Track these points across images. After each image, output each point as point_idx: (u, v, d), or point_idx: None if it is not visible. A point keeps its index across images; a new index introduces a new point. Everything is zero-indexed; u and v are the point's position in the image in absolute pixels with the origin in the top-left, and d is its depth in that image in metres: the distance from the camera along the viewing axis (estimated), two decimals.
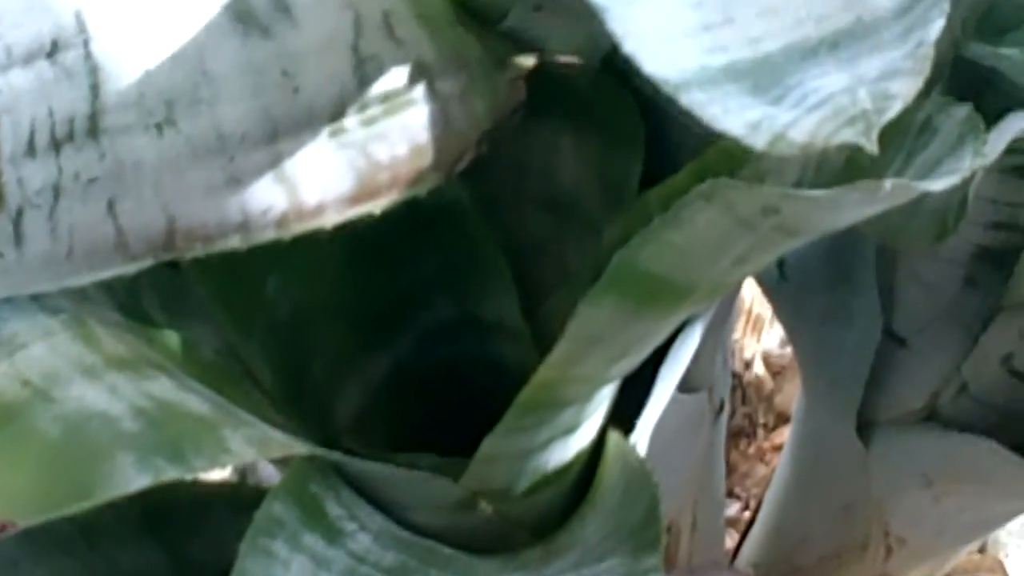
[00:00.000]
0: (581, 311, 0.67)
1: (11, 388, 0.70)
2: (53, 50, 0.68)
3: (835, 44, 0.59)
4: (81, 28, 0.69)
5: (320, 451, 0.72)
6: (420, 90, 0.70)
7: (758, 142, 0.54)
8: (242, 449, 0.70)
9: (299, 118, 0.70)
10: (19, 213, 0.68)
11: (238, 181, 0.70)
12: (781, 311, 0.94)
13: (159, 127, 0.68)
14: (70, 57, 0.68)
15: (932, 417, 0.83)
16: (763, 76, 0.58)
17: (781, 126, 0.55)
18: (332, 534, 0.72)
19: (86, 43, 0.68)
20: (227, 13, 0.67)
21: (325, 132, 0.71)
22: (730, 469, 0.97)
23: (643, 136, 0.75)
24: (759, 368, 1.02)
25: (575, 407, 0.73)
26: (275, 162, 0.70)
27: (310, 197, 0.69)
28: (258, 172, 0.70)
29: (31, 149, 0.68)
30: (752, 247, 0.64)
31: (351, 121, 0.71)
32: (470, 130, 0.71)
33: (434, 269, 0.80)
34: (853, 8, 0.59)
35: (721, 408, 0.92)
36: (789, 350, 1.08)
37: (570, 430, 0.74)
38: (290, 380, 0.77)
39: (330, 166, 0.70)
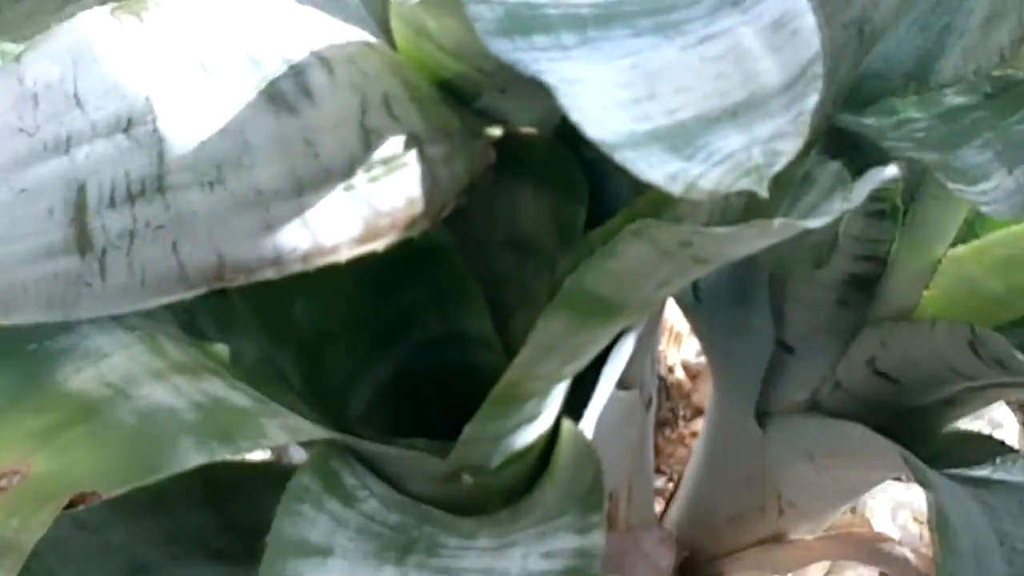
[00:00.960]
0: (540, 325, 0.71)
1: (97, 388, 0.73)
2: (128, 126, 0.69)
3: (735, 113, 0.63)
4: (149, 108, 0.70)
5: (338, 436, 0.76)
6: (413, 155, 0.73)
7: (675, 190, 0.58)
8: (277, 435, 0.75)
9: (319, 177, 0.72)
10: (103, 252, 0.69)
11: (271, 227, 0.71)
12: (696, 326, 0.97)
13: (211, 185, 0.69)
14: (141, 131, 0.69)
15: (814, 407, 0.87)
16: (679, 139, 0.62)
17: (693, 177, 0.59)
18: (348, 499, 0.74)
19: (154, 120, 0.70)
20: (262, 95, 0.70)
21: (339, 188, 0.72)
22: (657, 451, 0.98)
23: (587, 189, 0.79)
24: (679, 373, 1.04)
25: (536, 400, 0.77)
26: (300, 212, 0.71)
27: (328, 239, 0.71)
28: (287, 220, 0.71)
29: (112, 202, 0.69)
30: (672, 273, 0.69)
31: (359, 179, 0.73)
32: (452, 186, 0.74)
33: (425, 295, 0.84)
34: (748, 85, 0.64)
35: (650, 403, 0.94)
36: (703, 359, 1.11)
37: (532, 418, 0.79)
38: (314, 381, 0.81)
39: (343, 215, 0.72)
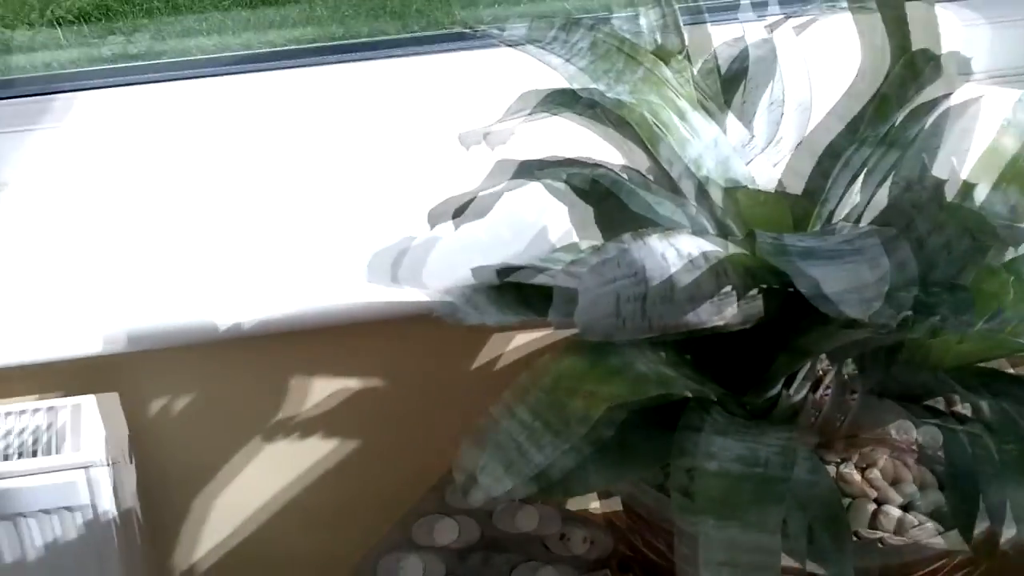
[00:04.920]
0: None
1: (620, 365, 0.76)
2: (648, 280, 0.72)
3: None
4: (661, 270, 0.72)
5: (704, 390, 0.79)
6: (734, 293, 0.76)
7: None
8: (685, 388, 0.78)
9: (708, 297, 0.75)
10: (624, 318, 0.72)
11: (684, 313, 0.74)
12: None
13: (665, 301, 0.73)
14: (647, 279, 0.72)
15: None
16: None
17: None
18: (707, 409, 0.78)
19: (644, 273, 0.72)
20: (712, 271, 0.75)
21: (708, 301, 0.74)
22: None
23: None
24: None
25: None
26: (693, 309, 0.74)
27: (708, 320, 0.75)
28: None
29: (627, 300, 0.73)
30: None
31: (717, 297, 0.75)
32: (754, 314, 0.77)
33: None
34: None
35: None
36: None
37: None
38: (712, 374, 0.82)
39: (716, 312, 0.75)
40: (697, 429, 0.77)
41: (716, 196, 0.86)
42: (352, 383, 1.22)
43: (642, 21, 1.01)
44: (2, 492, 1.05)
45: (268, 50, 1.42)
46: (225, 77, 1.26)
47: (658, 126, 0.86)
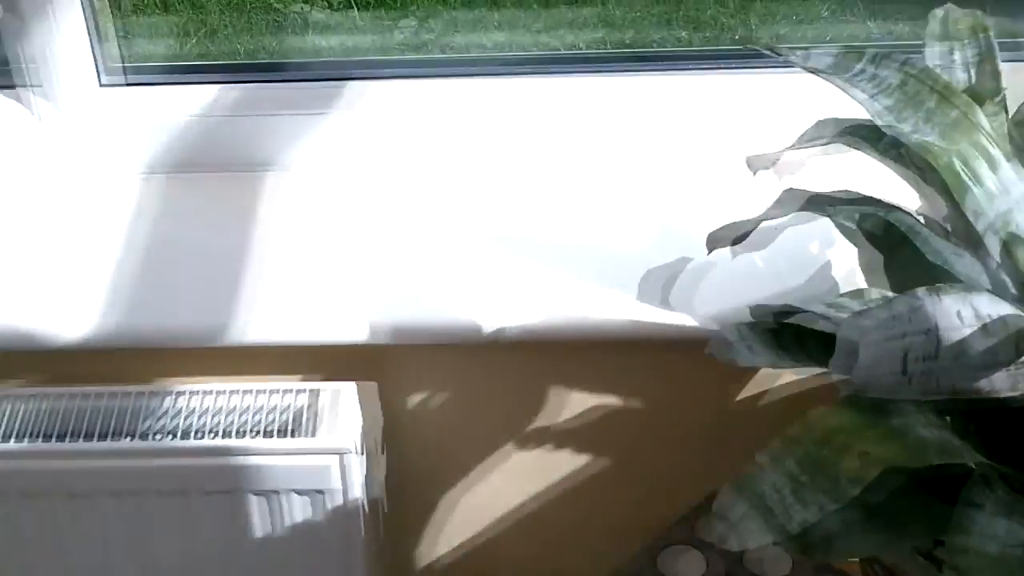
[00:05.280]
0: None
1: (892, 423, 0.73)
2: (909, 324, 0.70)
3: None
4: (934, 335, 0.70)
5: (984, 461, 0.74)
6: None
7: None
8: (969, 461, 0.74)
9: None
10: (910, 376, 0.70)
11: (976, 379, 0.70)
12: None
13: (959, 359, 0.70)
14: (924, 331, 0.70)
15: None
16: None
17: None
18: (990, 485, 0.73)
19: (938, 330, 0.70)
20: (978, 328, 0.73)
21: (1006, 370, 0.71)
22: None
23: None
24: None
25: None
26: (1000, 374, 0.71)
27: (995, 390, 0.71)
28: (991, 376, 0.71)
29: (916, 359, 0.70)
30: None
31: None
32: None
33: None
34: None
35: None
36: None
37: None
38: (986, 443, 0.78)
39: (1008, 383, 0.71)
40: (979, 506, 0.74)
41: (1023, 257, 0.83)
42: (609, 401, 1.22)
43: (956, 56, 0.97)
44: (259, 468, 1.10)
45: (553, 52, 1.44)
46: (510, 78, 1.29)
47: (967, 175, 0.83)
